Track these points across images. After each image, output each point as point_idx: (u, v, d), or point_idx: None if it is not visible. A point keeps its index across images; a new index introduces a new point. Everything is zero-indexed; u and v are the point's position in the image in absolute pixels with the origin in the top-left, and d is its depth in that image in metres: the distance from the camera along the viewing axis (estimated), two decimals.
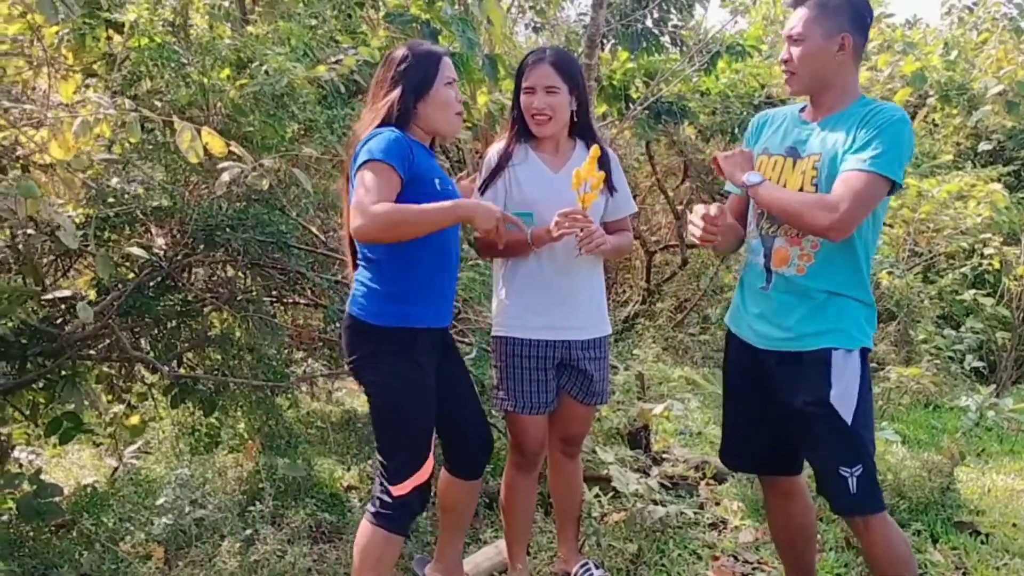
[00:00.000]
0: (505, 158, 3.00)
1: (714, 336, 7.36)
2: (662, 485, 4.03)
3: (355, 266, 2.79)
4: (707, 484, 4.20)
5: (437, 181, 2.65)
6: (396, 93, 2.65)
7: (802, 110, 2.74)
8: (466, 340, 4.30)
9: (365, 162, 2.52)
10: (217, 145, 3.09)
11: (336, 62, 4.05)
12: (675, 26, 7.75)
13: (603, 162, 2.96)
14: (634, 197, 3.70)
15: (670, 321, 8.15)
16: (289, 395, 4.31)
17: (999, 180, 7.71)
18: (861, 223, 2.50)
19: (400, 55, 2.71)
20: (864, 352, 2.62)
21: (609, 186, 3.05)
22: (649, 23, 7.51)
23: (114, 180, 3.44)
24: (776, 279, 2.67)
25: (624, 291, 9.11)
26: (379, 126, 2.63)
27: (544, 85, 2.93)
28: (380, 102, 2.68)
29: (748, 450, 2.90)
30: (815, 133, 2.63)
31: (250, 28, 4.00)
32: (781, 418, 2.69)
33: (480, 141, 5.23)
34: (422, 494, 2.73)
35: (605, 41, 7.36)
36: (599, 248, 2.86)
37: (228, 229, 3.54)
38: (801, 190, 2.59)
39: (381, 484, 2.72)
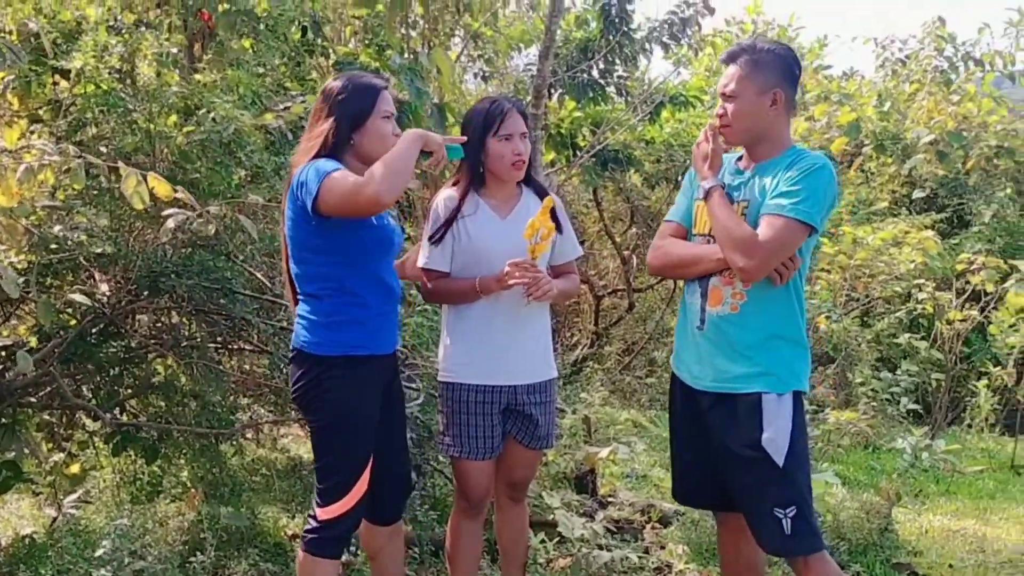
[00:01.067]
0: (456, 211, 3.04)
1: (660, 379, 7.44)
2: (608, 529, 4.05)
3: (296, 302, 2.81)
4: (652, 528, 4.24)
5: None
6: (331, 123, 2.67)
7: (739, 158, 2.84)
8: (413, 386, 4.31)
9: (325, 176, 2.53)
10: (163, 190, 3.10)
11: (285, 109, 4.09)
12: (620, 77, 7.92)
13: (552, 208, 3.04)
14: (582, 243, 3.78)
15: (618, 364, 8.22)
16: (234, 442, 4.27)
17: (932, 227, 7.95)
18: (775, 266, 2.60)
19: (338, 85, 2.73)
20: (797, 395, 2.69)
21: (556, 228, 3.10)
22: (595, 74, 7.67)
23: (57, 227, 3.41)
24: (710, 319, 2.75)
25: (572, 335, 9.19)
26: (314, 157, 2.65)
27: (520, 132, 3.01)
28: (316, 131, 2.70)
29: (697, 487, 2.94)
30: (746, 180, 2.74)
31: (198, 76, 4.01)
32: (718, 458, 2.75)
33: (429, 188, 5.28)
34: (351, 518, 2.75)
35: (553, 91, 7.50)
36: (547, 295, 2.92)
37: (173, 275, 3.53)
38: None
39: (312, 507, 2.77)
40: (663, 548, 4.04)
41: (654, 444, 6.15)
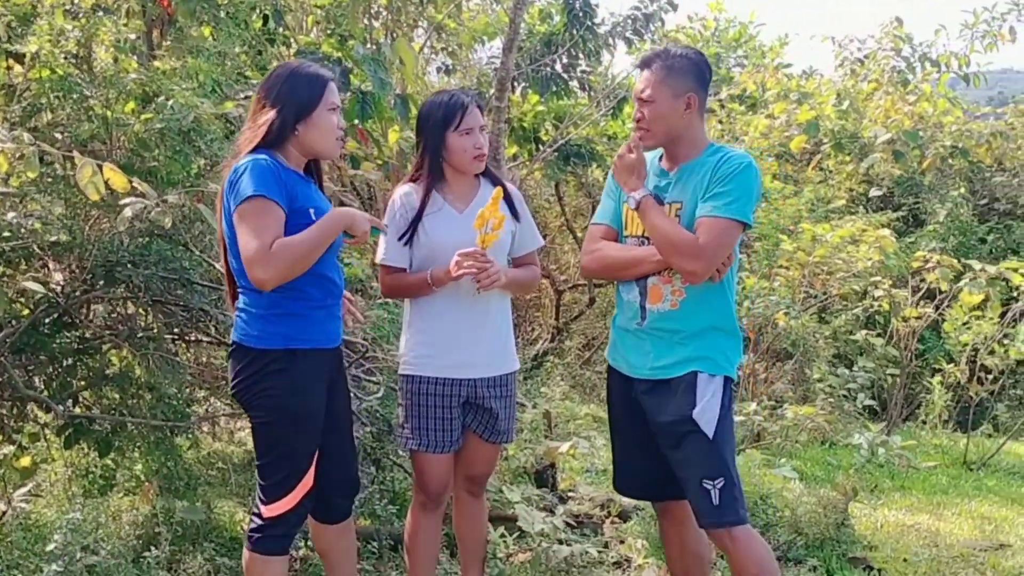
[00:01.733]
0: (421, 208, 3.03)
1: None
2: (567, 524, 4.06)
3: (234, 297, 2.76)
4: (612, 523, 4.25)
5: (312, 211, 2.63)
6: (274, 113, 2.62)
7: (660, 158, 2.94)
8: (374, 379, 4.28)
9: (245, 200, 2.49)
10: (119, 181, 3.04)
11: (245, 98, 4.03)
12: (583, 71, 7.93)
13: (508, 198, 3.06)
14: (544, 236, 3.77)
15: (578, 359, 8.23)
16: (189, 435, 4.20)
17: (888, 225, 8.07)
18: (719, 263, 2.74)
19: (284, 73, 2.68)
20: (727, 380, 2.82)
21: (515, 218, 3.12)
22: (559, 68, 7.67)
23: (10, 214, 3.33)
24: (650, 316, 2.85)
25: (533, 329, 9.19)
26: (255, 148, 2.60)
27: (479, 125, 3.03)
28: (260, 119, 2.64)
29: (637, 477, 3.05)
30: (674, 182, 2.84)
31: (157, 63, 3.93)
32: (655, 439, 2.85)
33: (391, 181, 5.24)
34: (295, 515, 2.72)
35: (516, 84, 7.48)
36: (495, 283, 2.91)
37: (129, 265, 3.46)
38: None
39: (255, 504, 2.73)
40: (622, 543, 4.06)
41: (604, 431, 6.17)
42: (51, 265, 3.65)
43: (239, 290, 2.72)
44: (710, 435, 2.72)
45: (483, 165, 3.06)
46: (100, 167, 3.00)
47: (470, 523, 3.29)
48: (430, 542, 3.20)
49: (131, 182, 3.07)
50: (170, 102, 3.61)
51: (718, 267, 2.75)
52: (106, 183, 3.08)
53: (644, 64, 2.82)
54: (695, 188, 2.77)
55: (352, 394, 4.09)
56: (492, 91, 5.36)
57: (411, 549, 3.21)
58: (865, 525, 4.25)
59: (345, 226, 2.65)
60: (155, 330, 3.79)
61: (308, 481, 2.70)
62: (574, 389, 7.31)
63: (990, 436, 6.57)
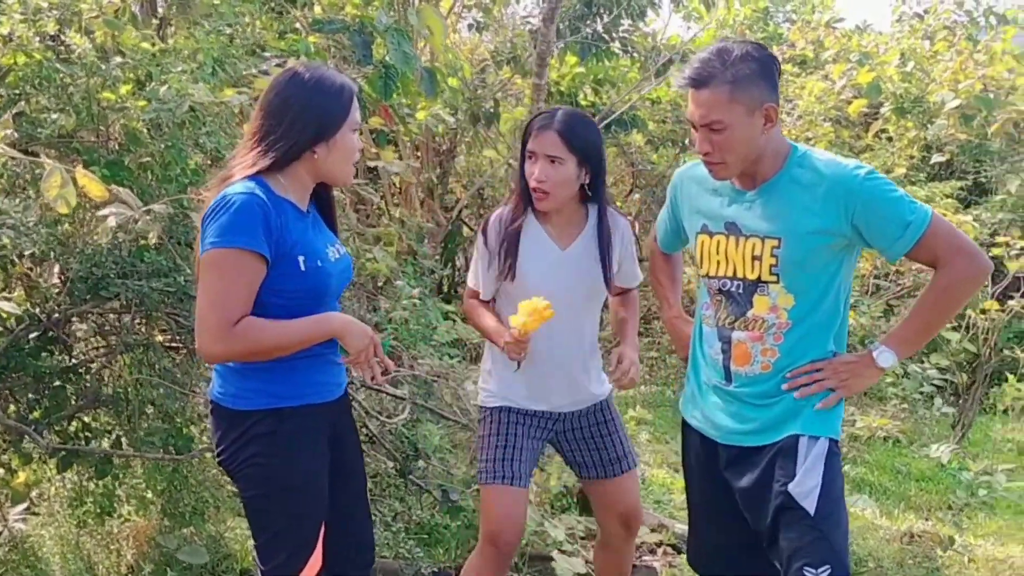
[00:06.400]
0: (514, 233, 2.67)
1: (667, 363, 6.99)
2: None
3: None
4: (665, 553, 3.82)
5: (302, 259, 2.17)
6: (286, 128, 2.15)
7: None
8: (399, 392, 3.86)
9: (218, 248, 2.05)
10: (95, 190, 2.59)
11: (263, 73, 3.56)
12: (625, 31, 7.35)
13: (601, 231, 2.74)
14: None
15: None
16: (196, 455, 3.81)
17: (952, 196, 7.50)
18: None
19: (305, 80, 2.18)
20: (832, 443, 2.31)
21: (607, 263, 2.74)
22: (599, 28, 7.10)
23: None
24: (737, 378, 2.34)
25: None
26: (255, 173, 2.14)
27: (546, 154, 2.57)
28: (274, 136, 2.15)
29: (718, 552, 2.55)
30: (753, 207, 2.29)
31: (145, 44, 3.43)
32: (744, 512, 2.38)
33: (413, 175, 4.75)
34: None
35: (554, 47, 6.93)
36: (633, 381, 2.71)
37: (117, 279, 3.03)
38: (759, 279, 2.28)
39: None
40: None
41: (656, 434, 5.76)
42: (32, 275, 3.23)
43: None
44: (811, 511, 2.23)
45: (542, 204, 2.64)
46: (72, 175, 2.55)
47: (618, 566, 2.95)
48: None
49: (109, 190, 2.63)
50: (163, 88, 3.15)
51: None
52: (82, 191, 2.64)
53: (699, 82, 2.20)
54: (796, 217, 2.23)
55: (374, 415, 3.68)
56: (532, 67, 4.84)
57: None
58: (952, 561, 3.74)
59: (336, 337, 2.22)
60: (150, 347, 3.36)
61: (316, 562, 2.26)
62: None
63: None
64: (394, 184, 5.55)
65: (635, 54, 7.57)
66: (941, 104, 7.78)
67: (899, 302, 5.59)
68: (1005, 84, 7.80)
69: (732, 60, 2.18)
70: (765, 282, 2.27)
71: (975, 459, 4.49)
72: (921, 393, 4.80)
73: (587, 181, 2.65)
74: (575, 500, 4.06)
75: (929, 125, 8.21)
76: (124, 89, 3.29)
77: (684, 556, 3.75)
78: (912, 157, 8.50)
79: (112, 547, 3.61)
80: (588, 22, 6.83)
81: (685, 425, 2.55)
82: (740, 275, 2.30)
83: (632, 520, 2.89)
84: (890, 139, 8.42)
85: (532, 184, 2.60)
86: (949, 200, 7.16)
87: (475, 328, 2.91)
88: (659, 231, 2.72)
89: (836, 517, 2.27)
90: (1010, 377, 5.70)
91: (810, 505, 2.23)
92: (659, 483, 4.81)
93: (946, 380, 5.26)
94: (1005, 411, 6.12)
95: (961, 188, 8.30)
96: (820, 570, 2.20)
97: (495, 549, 2.67)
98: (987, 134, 8.37)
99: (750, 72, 2.18)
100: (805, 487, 2.23)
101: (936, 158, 8.72)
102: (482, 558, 2.71)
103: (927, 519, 4.33)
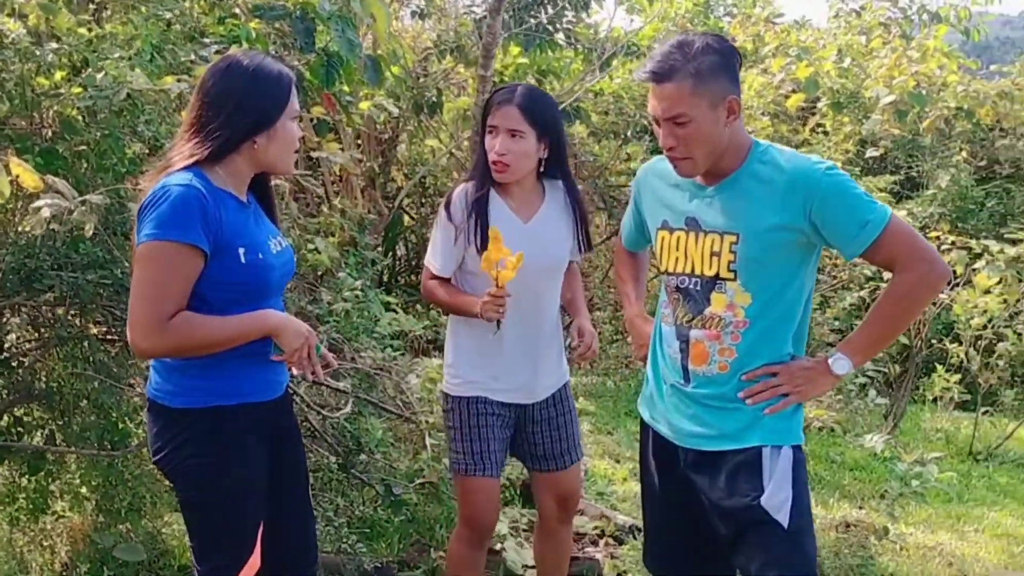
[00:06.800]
0: (482, 204, 2.71)
1: (608, 354, 7.03)
2: None
3: None
4: (607, 544, 3.85)
5: (242, 251, 2.13)
6: (224, 118, 2.10)
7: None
8: (341, 385, 3.82)
9: (153, 240, 2.00)
10: (29, 180, 2.51)
11: (202, 59, 3.48)
12: (569, 23, 7.35)
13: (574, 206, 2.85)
14: None
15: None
16: (132, 450, 3.73)
17: (886, 190, 7.67)
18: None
19: (244, 68, 2.14)
20: (796, 449, 2.27)
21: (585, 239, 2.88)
22: (543, 19, 7.09)
23: None
24: (695, 378, 2.32)
25: None
26: (193, 164, 2.09)
27: (508, 128, 2.63)
28: (213, 126, 2.10)
29: (674, 553, 2.52)
30: (714, 202, 2.26)
31: (82, 30, 3.34)
32: (708, 518, 2.34)
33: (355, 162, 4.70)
34: None
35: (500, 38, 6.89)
36: (593, 356, 2.83)
37: (51, 271, 2.95)
38: (717, 276, 2.25)
39: None
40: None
41: (598, 425, 5.79)
42: None
43: None
44: (784, 524, 2.19)
45: (505, 176, 2.69)
46: (5, 164, 2.47)
47: (556, 551, 3.03)
48: None
49: (44, 179, 2.55)
50: (99, 75, 3.06)
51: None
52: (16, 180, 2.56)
53: (661, 75, 2.14)
54: (755, 213, 2.19)
55: (315, 408, 3.64)
56: (473, 48, 4.81)
57: None
58: (886, 548, 3.83)
59: (271, 335, 2.17)
60: (84, 333, 3.28)
61: (255, 563, 2.21)
62: None
63: (986, 414, 6.17)
64: (335, 173, 5.48)
65: (579, 46, 7.57)
66: (876, 100, 7.96)
67: (833, 294, 5.70)
68: (937, 81, 7.98)
69: (694, 53, 2.13)
70: (723, 279, 2.24)
71: (907, 449, 4.61)
72: (855, 384, 4.90)
73: (546, 155, 2.72)
74: (518, 492, 4.07)
75: (865, 120, 8.40)
76: (59, 75, 3.22)
77: (626, 548, 3.82)
78: (848, 151, 8.67)
79: (46, 545, 3.51)
80: (533, 13, 6.82)
81: (643, 425, 2.52)
82: (698, 272, 2.27)
83: (570, 501, 2.99)
84: (827, 133, 8.58)
85: (493, 157, 2.65)
86: (883, 194, 7.31)
87: (442, 306, 2.90)
88: (623, 229, 2.70)
89: (807, 526, 2.26)
90: (939, 368, 5.88)
91: (783, 518, 2.19)
92: (601, 474, 4.84)
93: (879, 371, 5.39)
94: (934, 400, 6.30)
95: (895, 182, 8.48)
96: None
97: (472, 531, 2.83)
98: (919, 130, 8.60)
99: (712, 64, 2.14)
100: (777, 500, 2.20)
101: (871, 152, 8.93)
102: (461, 540, 2.86)
103: (861, 507, 4.44)
